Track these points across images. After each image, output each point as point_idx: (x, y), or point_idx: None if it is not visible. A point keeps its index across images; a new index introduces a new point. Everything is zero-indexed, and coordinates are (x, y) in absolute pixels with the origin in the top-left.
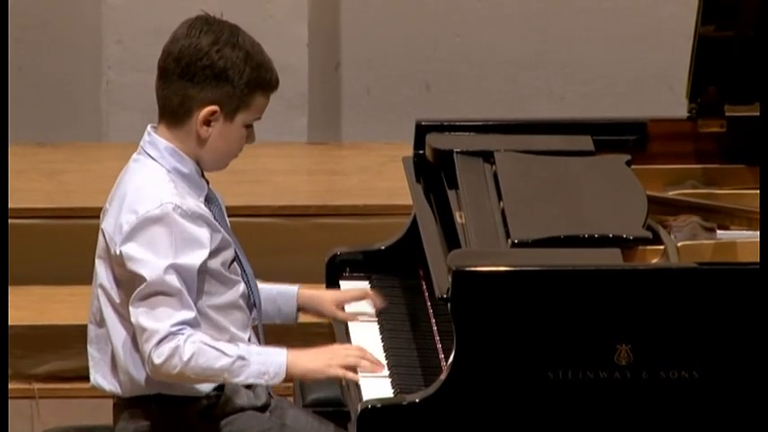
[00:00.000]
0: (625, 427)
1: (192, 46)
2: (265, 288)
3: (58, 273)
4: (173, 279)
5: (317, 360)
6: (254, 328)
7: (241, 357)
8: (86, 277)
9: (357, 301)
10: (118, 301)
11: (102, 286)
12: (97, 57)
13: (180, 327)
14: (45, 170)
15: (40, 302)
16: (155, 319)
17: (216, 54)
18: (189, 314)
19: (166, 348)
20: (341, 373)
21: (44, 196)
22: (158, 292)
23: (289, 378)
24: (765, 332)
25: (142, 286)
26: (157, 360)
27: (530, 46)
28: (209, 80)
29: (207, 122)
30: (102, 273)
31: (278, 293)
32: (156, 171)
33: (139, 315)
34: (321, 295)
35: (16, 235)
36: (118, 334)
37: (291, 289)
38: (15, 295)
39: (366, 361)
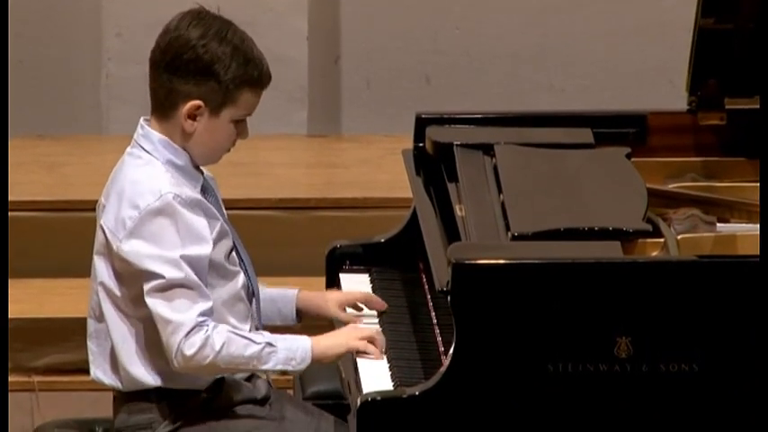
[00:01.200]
0: (625, 419)
1: (180, 39)
2: (266, 290)
3: (58, 265)
4: (187, 270)
5: (336, 337)
6: (253, 319)
7: (269, 344)
8: (86, 270)
9: (359, 302)
10: (119, 295)
11: (101, 283)
12: (97, 50)
13: (204, 317)
14: (45, 163)
15: (39, 295)
16: (177, 310)
17: (202, 48)
18: (208, 303)
19: (197, 339)
20: (361, 345)
21: (44, 189)
22: (176, 285)
23: (314, 361)
24: (765, 325)
25: (158, 281)
26: (189, 351)
27: (530, 39)
28: (193, 74)
29: (192, 117)
30: (101, 269)
31: (278, 295)
32: (151, 163)
33: (159, 307)
34: (323, 296)
35: (16, 228)
36: (118, 329)
37: (291, 292)
38: (15, 288)
39: (378, 341)
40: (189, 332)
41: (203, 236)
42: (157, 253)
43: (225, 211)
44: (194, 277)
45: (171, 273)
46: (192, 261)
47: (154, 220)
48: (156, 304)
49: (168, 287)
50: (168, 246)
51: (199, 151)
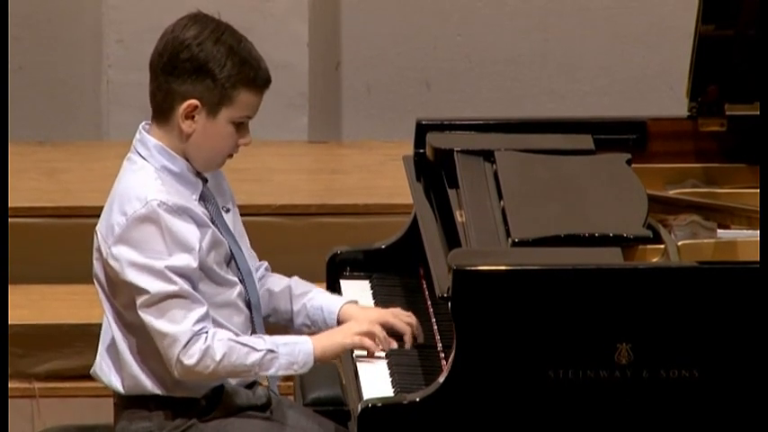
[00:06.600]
0: (625, 426)
1: (176, 40)
2: (318, 297)
3: (58, 271)
4: (176, 280)
5: (335, 335)
6: (253, 328)
7: (270, 351)
8: (87, 276)
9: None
10: (114, 300)
11: (100, 287)
12: (97, 56)
13: (201, 325)
14: (45, 169)
15: (40, 301)
16: (172, 322)
17: (197, 47)
18: (202, 309)
19: (196, 350)
20: (357, 340)
21: (44, 195)
22: (166, 296)
23: (315, 362)
24: (765, 331)
25: (146, 296)
26: (189, 361)
27: (530, 44)
28: (188, 73)
29: (189, 117)
30: (99, 273)
31: (325, 306)
32: (144, 170)
33: (153, 321)
34: (364, 316)
35: (16, 234)
36: (117, 331)
37: (335, 305)
38: (15, 294)
39: (377, 335)
40: (187, 343)
41: (190, 243)
42: (143, 262)
43: (237, 217)
44: (185, 285)
45: (158, 286)
46: (178, 270)
47: (140, 226)
48: (149, 319)
49: (159, 300)
50: (154, 254)
51: (197, 154)
